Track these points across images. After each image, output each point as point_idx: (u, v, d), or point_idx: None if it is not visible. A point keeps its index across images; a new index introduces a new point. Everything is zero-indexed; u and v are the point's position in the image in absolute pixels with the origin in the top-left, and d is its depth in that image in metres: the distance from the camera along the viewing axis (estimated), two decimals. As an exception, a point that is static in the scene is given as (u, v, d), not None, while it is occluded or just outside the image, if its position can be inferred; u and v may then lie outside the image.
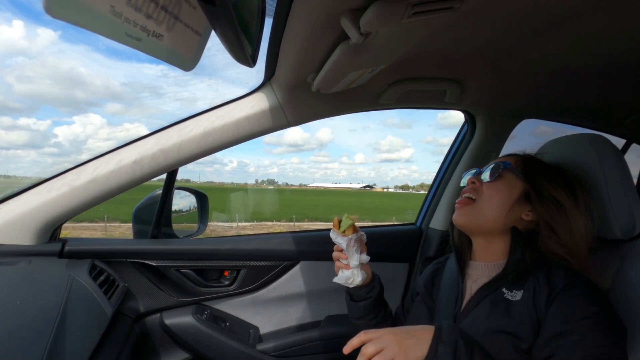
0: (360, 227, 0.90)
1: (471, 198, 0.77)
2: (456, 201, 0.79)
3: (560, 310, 0.62)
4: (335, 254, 0.88)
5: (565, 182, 0.75)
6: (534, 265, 0.68)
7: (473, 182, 0.79)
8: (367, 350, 0.60)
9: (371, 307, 0.89)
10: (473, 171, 0.83)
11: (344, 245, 0.84)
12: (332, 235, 0.86)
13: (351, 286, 0.87)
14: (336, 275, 0.88)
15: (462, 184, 0.83)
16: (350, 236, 0.84)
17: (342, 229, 0.85)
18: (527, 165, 0.77)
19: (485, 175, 0.77)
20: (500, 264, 0.74)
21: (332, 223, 0.87)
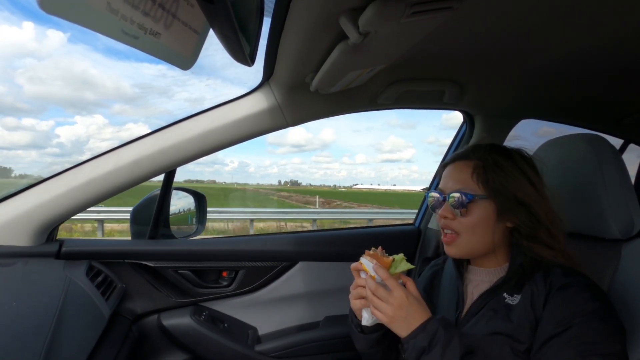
0: (356, 228, 0.88)
1: (454, 232, 0.74)
2: (442, 238, 0.76)
3: (556, 310, 0.62)
4: (358, 291, 0.75)
5: (521, 172, 0.72)
6: (532, 268, 0.69)
7: (445, 217, 0.74)
8: (373, 302, 0.68)
9: (382, 338, 0.81)
10: (436, 195, 0.76)
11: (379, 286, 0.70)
12: (377, 272, 0.70)
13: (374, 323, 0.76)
14: (360, 317, 0.76)
15: (430, 207, 0.79)
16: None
17: (396, 270, 0.71)
18: (487, 177, 0.71)
19: (456, 211, 0.72)
20: (501, 269, 0.74)
21: (370, 254, 0.74)
